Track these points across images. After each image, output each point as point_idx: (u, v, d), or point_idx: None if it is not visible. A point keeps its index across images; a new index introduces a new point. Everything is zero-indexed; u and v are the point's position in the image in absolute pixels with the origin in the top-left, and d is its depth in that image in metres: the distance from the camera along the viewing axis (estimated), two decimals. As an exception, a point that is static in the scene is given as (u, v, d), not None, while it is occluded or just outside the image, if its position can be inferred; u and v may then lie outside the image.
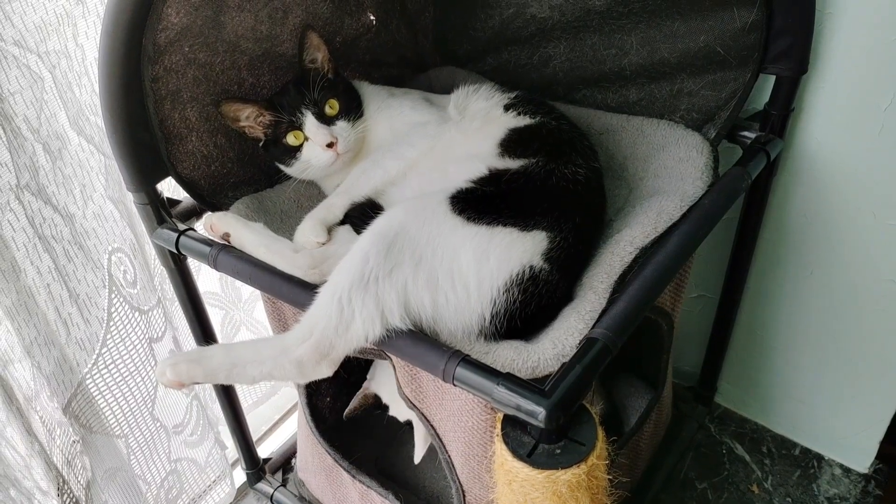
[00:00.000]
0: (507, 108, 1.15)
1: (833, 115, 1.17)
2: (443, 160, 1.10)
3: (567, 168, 1.01)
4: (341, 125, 1.13)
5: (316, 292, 0.90)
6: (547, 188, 0.99)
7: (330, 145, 1.11)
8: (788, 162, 1.25)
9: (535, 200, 0.97)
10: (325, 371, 0.90)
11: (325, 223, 1.07)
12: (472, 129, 1.14)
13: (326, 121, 1.12)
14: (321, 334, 0.87)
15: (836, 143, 1.19)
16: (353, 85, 1.23)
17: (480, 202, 0.95)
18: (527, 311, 0.91)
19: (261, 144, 1.17)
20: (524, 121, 1.12)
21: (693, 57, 1.13)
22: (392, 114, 1.20)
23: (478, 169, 1.02)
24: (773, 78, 1.13)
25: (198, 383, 1.00)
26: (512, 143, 1.07)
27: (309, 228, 1.05)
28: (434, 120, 1.17)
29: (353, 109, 1.15)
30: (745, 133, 1.17)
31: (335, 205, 1.10)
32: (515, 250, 0.92)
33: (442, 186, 0.99)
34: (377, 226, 0.92)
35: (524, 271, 0.91)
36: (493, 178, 1.00)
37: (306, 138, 1.12)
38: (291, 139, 1.12)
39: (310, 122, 1.11)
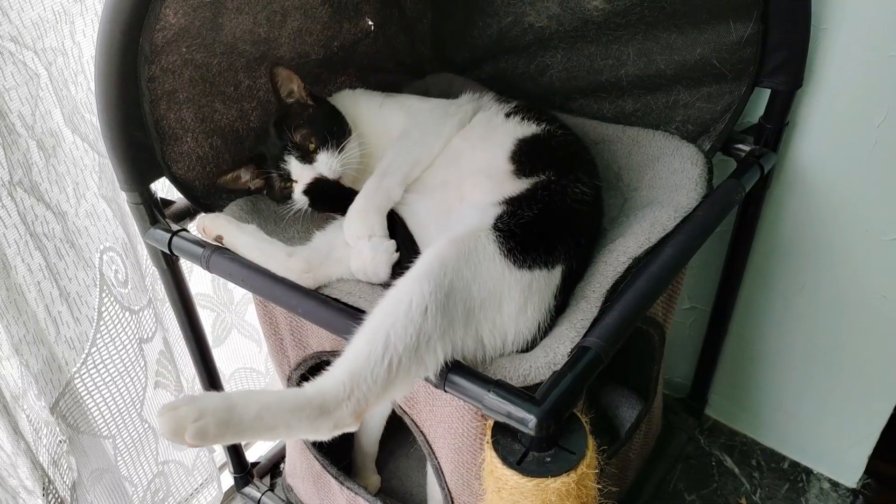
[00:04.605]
0: (508, 115, 1.15)
1: (827, 130, 1.18)
2: (455, 173, 1.08)
3: (577, 187, 1.00)
4: (322, 158, 1.08)
5: (356, 327, 0.83)
6: (562, 211, 0.98)
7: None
8: (782, 175, 1.26)
9: (554, 228, 0.96)
10: (354, 428, 0.82)
11: (384, 211, 1.03)
12: (475, 137, 1.13)
13: (309, 159, 1.09)
14: (364, 396, 0.79)
15: (830, 158, 1.20)
16: (338, 100, 1.21)
17: (521, 239, 0.91)
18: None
19: (264, 193, 1.17)
20: (530, 128, 1.11)
21: (689, 69, 1.14)
22: (403, 102, 1.19)
23: (495, 190, 1.00)
24: (768, 92, 1.13)
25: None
26: (522, 157, 1.06)
27: (375, 223, 1.01)
28: (445, 104, 1.17)
29: (333, 135, 1.10)
30: (740, 146, 1.18)
31: (392, 188, 1.05)
32: (544, 296, 0.90)
33: (465, 207, 0.98)
34: (432, 270, 0.83)
35: (547, 317, 0.90)
36: (518, 202, 0.97)
37: (295, 181, 1.11)
38: (287, 185, 1.12)
39: (294, 167, 1.10)
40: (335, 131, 1.10)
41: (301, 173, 1.09)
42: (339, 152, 1.09)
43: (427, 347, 0.80)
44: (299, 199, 1.11)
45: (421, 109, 1.18)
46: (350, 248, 1.01)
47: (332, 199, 1.09)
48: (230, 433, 0.77)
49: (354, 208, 1.03)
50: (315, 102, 1.15)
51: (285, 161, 1.10)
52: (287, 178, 1.11)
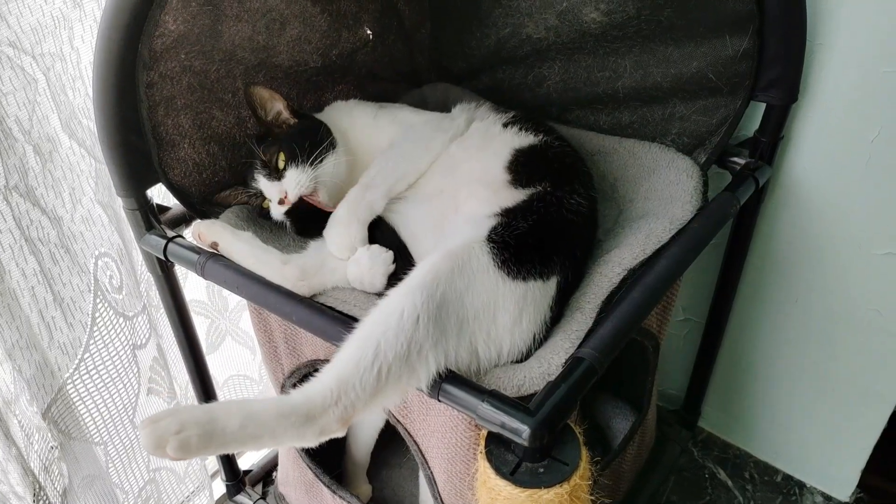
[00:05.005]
0: (505, 125, 1.15)
1: (821, 144, 1.18)
2: (451, 182, 1.08)
3: (572, 198, 1.00)
4: (290, 174, 1.06)
5: (347, 335, 0.83)
6: (557, 222, 0.98)
7: (281, 202, 1.07)
8: (776, 189, 1.26)
9: (550, 239, 0.95)
10: (341, 434, 0.82)
11: (366, 223, 1.03)
12: (472, 146, 1.12)
13: (277, 176, 1.07)
14: (351, 403, 0.79)
15: (824, 173, 1.20)
16: (330, 112, 1.21)
17: (515, 250, 0.91)
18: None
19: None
20: (527, 139, 1.11)
21: (685, 82, 1.14)
22: (396, 115, 1.19)
23: (491, 200, 1.00)
24: (763, 105, 1.14)
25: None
26: (519, 167, 1.06)
27: (356, 235, 1.00)
28: (438, 118, 1.17)
29: (306, 150, 1.06)
30: (735, 159, 1.18)
31: (375, 201, 1.04)
32: (540, 307, 0.90)
33: (461, 218, 0.99)
34: (425, 282, 0.83)
35: (543, 329, 0.90)
36: (514, 213, 0.97)
37: (268, 199, 1.10)
38: (262, 202, 1.12)
39: (263, 184, 1.09)
40: (309, 146, 1.06)
41: (270, 190, 1.08)
42: (313, 167, 1.06)
43: (419, 357, 0.80)
44: (276, 216, 1.11)
45: (413, 123, 1.18)
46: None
47: (315, 222, 1.07)
48: (214, 445, 0.76)
49: (336, 218, 1.03)
50: (298, 119, 1.13)
51: (256, 179, 1.10)
52: (261, 196, 1.11)
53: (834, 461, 1.46)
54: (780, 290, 1.36)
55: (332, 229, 1.02)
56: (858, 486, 1.46)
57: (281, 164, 1.07)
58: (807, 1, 1.03)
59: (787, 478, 1.54)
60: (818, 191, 1.22)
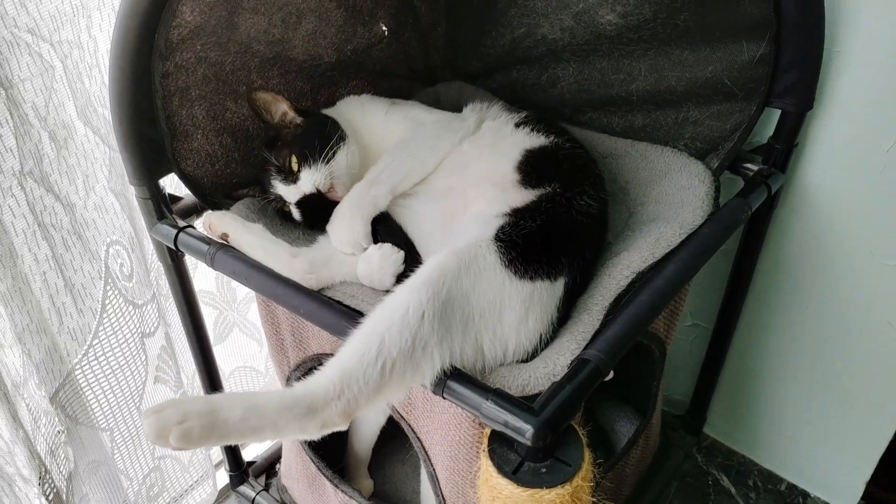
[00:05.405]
0: (518, 125, 1.15)
1: (835, 152, 1.18)
2: (461, 181, 1.08)
3: (582, 199, 1.00)
4: (304, 175, 1.07)
5: (353, 330, 0.83)
6: (567, 224, 0.98)
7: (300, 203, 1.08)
8: (789, 196, 1.26)
9: (558, 240, 0.95)
10: (343, 427, 0.82)
11: (369, 219, 1.03)
12: (484, 145, 1.12)
13: (293, 178, 1.08)
14: (354, 397, 0.79)
15: (837, 181, 1.20)
16: (341, 107, 1.22)
17: (522, 249, 0.91)
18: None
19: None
20: (538, 140, 1.11)
21: (700, 86, 1.14)
22: (408, 112, 1.19)
23: (500, 199, 1.00)
24: (777, 112, 1.13)
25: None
26: (529, 167, 1.06)
27: (360, 230, 1.00)
28: (449, 118, 1.17)
29: (316, 148, 1.07)
30: (748, 165, 1.18)
31: (379, 196, 1.04)
32: (547, 307, 0.90)
33: (469, 216, 0.99)
34: (431, 279, 0.83)
35: (549, 329, 0.90)
36: (522, 213, 0.97)
37: (289, 202, 1.11)
38: (284, 206, 1.12)
39: (281, 189, 1.09)
40: (319, 144, 1.07)
41: (289, 194, 1.09)
42: (326, 163, 1.06)
43: (423, 353, 0.80)
44: (298, 217, 1.12)
45: (424, 121, 1.18)
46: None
47: (325, 215, 1.07)
48: (215, 435, 0.76)
49: (339, 213, 1.03)
50: (305, 117, 1.13)
51: (273, 186, 1.10)
52: (281, 200, 1.11)
53: (839, 471, 1.45)
54: (790, 297, 1.35)
55: (336, 224, 1.03)
56: (863, 497, 1.45)
57: (294, 167, 1.07)
58: (825, 7, 1.02)
59: (792, 487, 1.53)
60: (831, 199, 1.22)
